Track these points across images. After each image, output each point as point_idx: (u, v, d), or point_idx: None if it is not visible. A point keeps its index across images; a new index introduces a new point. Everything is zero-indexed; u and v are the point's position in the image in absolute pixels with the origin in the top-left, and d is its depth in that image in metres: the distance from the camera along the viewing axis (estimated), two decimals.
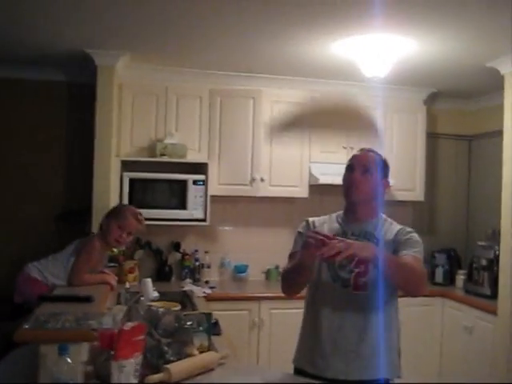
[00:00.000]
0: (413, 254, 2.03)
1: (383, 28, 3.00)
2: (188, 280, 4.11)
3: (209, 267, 4.32)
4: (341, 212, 2.25)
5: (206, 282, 4.18)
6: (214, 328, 2.73)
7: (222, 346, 2.51)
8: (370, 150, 2.22)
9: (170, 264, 4.26)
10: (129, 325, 1.94)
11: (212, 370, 2.13)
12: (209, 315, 2.43)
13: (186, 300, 3.60)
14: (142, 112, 3.98)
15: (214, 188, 4.05)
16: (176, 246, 4.28)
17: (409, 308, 4.04)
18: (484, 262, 4.03)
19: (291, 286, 2.20)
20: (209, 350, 2.30)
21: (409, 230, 2.15)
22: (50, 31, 3.31)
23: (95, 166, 3.65)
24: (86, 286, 2.59)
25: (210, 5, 2.77)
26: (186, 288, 3.80)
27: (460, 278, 4.35)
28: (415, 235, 2.13)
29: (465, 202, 4.93)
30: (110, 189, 3.68)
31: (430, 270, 4.54)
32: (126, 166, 3.96)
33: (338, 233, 2.14)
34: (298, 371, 2.22)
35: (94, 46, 3.57)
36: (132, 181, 3.85)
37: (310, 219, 2.29)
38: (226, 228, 4.41)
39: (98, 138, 3.65)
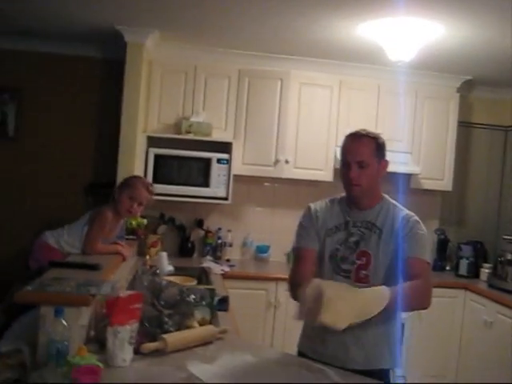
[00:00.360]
0: (419, 258, 2.00)
1: (410, 11, 2.93)
2: (208, 257, 4.18)
3: (231, 246, 4.37)
4: (343, 195, 2.18)
5: (227, 260, 4.24)
6: (221, 304, 2.79)
7: (226, 321, 2.57)
8: (363, 136, 2.08)
9: (192, 240, 4.33)
10: (126, 293, 2.02)
11: (210, 343, 2.18)
12: (212, 291, 2.49)
13: (203, 276, 3.68)
14: (170, 89, 4.04)
15: (238, 167, 4.08)
16: (199, 223, 4.35)
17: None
18: (509, 257, 3.94)
19: None
20: (210, 324, 2.36)
21: (413, 219, 2.08)
22: (83, 7, 3.38)
23: (121, 141, 3.73)
24: (98, 254, 2.68)
25: None
26: (204, 264, 3.87)
27: (485, 271, 4.25)
28: (420, 226, 2.07)
29: (497, 194, 4.79)
30: (134, 163, 3.75)
31: (455, 261, 4.48)
32: (153, 141, 4.04)
33: (341, 222, 2.13)
34: (301, 354, 2.23)
35: (124, 23, 3.63)
36: (157, 156, 3.92)
37: (312, 207, 2.22)
38: (250, 208, 4.45)
39: (124, 114, 3.73)
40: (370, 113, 4.21)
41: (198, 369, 1.84)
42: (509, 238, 3.98)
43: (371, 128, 4.03)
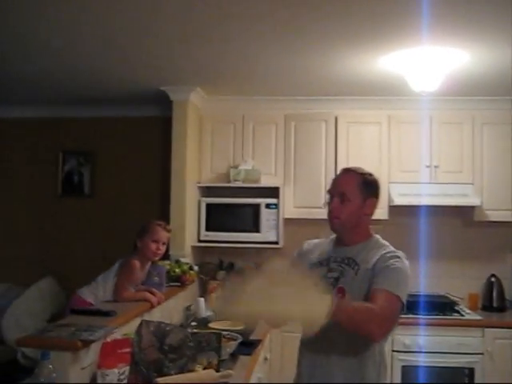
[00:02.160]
0: (383, 289, 1.87)
1: (431, 40, 2.87)
2: None
3: None
4: None
5: None
6: (244, 348, 2.82)
7: (243, 366, 2.59)
8: (350, 170, 2.09)
9: None
10: (112, 337, 2.15)
11: None
12: (219, 335, 2.53)
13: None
14: (220, 140, 4.25)
15: (290, 211, 4.14)
16: (257, 268, 4.40)
17: (504, 340, 3.74)
18: None
19: None
20: (216, 368, 2.40)
21: (392, 254, 1.98)
22: (131, 72, 3.73)
23: (172, 192, 3.98)
24: (127, 301, 2.85)
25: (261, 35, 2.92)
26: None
27: None
28: (397, 261, 1.96)
29: None
30: (185, 213, 3.96)
31: None
32: (205, 191, 4.24)
33: (324, 258, 2.11)
34: None
35: (167, 83, 3.93)
36: (208, 205, 4.10)
37: (306, 243, 2.25)
38: None
39: (173, 167, 3.98)
40: (423, 145, 4.07)
41: None
42: None
43: (426, 161, 4.01)
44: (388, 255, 1.98)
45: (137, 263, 2.97)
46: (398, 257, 1.99)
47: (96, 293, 2.99)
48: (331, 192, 2.08)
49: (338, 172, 2.18)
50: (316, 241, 2.26)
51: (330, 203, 2.08)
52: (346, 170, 2.12)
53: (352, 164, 4.00)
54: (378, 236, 2.13)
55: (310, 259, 2.15)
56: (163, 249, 3.10)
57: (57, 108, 4.69)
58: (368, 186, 2.06)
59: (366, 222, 2.09)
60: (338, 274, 2.03)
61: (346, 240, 2.09)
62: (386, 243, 2.09)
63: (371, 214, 2.10)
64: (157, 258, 3.13)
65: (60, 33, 2.94)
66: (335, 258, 2.08)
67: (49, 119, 4.76)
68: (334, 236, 2.19)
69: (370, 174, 2.10)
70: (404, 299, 1.91)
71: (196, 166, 4.22)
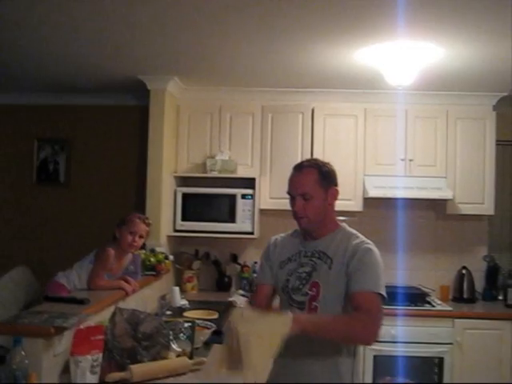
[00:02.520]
0: (364, 291, 1.91)
1: (407, 35, 2.91)
2: (240, 291, 4.23)
3: None
4: None
5: None
6: (219, 337, 2.83)
7: (214, 353, 2.61)
8: (304, 167, 2.06)
9: (229, 275, 4.42)
10: (86, 325, 2.15)
11: (183, 374, 2.24)
12: (193, 323, 2.55)
13: (229, 310, 3.73)
14: (197, 131, 4.24)
15: (265, 202, 4.16)
16: (234, 258, 4.43)
17: (474, 331, 3.81)
18: None
19: None
20: (190, 356, 2.42)
21: (363, 247, 1.99)
22: (109, 61, 3.69)
23: (148, 182, 3.97)
24: (101, 290, 2.85)
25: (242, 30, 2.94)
26: (231, 298, 3.93)
27: None
28: (370, 254, 1.98)
29: None
30: (161, 203, 3.95)
31: (503, 290, 4.18)
32: (181, 181, 4.24)
33: (294, 253, 2.11)
34: None
35: (145, 73, 3.90)
36: (184, 195, 4.10)
37: (272, 240, 2.24)
38: None
39: (149, 156, 3.96)
40: (398, 139, 4.11)
41: None
42: None
43: (400, 154, 4.05)
44: (360, 249, 1.99)
45: (112, 251, 2.97)
46: (370, 249, 2.00)
47: (72, 279, 2.99)
48: (291, 194, 2.06)
49: (292, 170, 2.10)
50: (283, 236, 2.24)
51: (292, 204, 2.06)
52: (301, 168, 2.07)
53: (328, 156, 4.04)
54: (344, 224, 2.14)
55: (278, 257, 2.15)
56: (140, 242, 3.10)
57: (32, 95, 4.63)
58: (326, 176, 2.05)
59: (331, 212, 2.10)
60: (310, 269, 2.04)
61: (316, 234, 2.09)
62: (354, 231, 2.10)
63: (334, 202, 2.10)
64: (132, 250, 3.14)
65: (35, 21, 2.89)
66: (305, 252, 2.08)
67: (24, 106, 4.69)
68: (298, 229, 2.17)
69: (325, 164, 2.09)
70: (384, 292, 1.94)
71: (173, 155, 4.21)
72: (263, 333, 1.70)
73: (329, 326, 1.85)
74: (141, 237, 3.08)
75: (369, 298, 1.90)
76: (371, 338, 1.88)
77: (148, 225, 3.14)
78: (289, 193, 2.07)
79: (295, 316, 1.79)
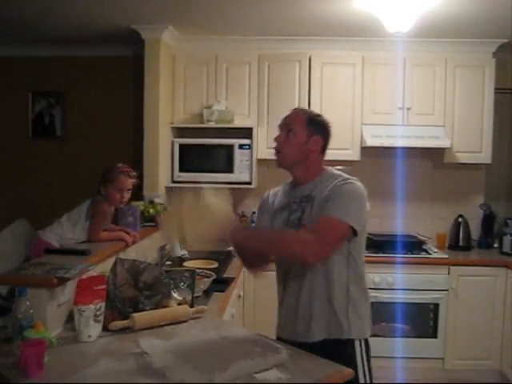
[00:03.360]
0: (324, 216, 1.93)
1: None
2: None
3: None
4: None
5: None
6: (219, 285, 2.90)
7: (216, 302, 2.67)
8: (300, 109, 2.22)
9: None
10: (88, 275, 2.18)
11: (184, 322, 2.29)
12: (193, 272, 2.59)
13: (228, 259, 3.79)
14: (193, 81, 4.19)
15: (263, 152, 4.14)
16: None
17: (468, 277, 3.89)
18: None
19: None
20: (190, 304, 2.47)
21: (344, 182, 2.01)
22: (100, 10, 3.60)
23: (145, 133, 3.95)
24: (103, 242, 2.88)
25: None
26: (230, 248, 3.97)
27: None
28: (346, 186, 1.99)
29: None
30: (158, 154, 3.95)
31: (498, 238, 4.24)
32: (178, 132, 4.22)
33: (285, 202, 2.15)
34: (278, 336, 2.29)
35: (139, 22, 3.82)
36: (181, 146, 4.09)
37: (266, 193, 2.30)
38: None
39: (146, 107, 3.93)
40: (396, 87, 4.07)
41: (148, 344, 1.96)
42: None
43: (398, 103, 4.02)
44: (339, 183, 2.01)
45: (107, 207, 2.97)
46: (349, 182, 2.01)
47: (61, 234, 2.96)
48: (280, 126, 2.14)
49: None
50: (276, 189, 2.29)
51: (276, 138, 2.12)
52: (296, 109, 2.22)
53: (325, 105, 4.08)
54: (330, 167, 2.15)
55: (272, 208, 2.20)
56: (128, 195, 3.05)
57: (25, 48, 4.54)
58: (314, 123, 2.10)
59: (316, 158, 2.11)
60: (299, 214, 2.07)
61: (300, 178, 2.12)
62: (339, 173, 2.11)
63: (317, 151, 2.10)
64: (122, 205, 3.10)
65: None
66: (294, 199, 2.12)
67: (17, 59, 4.60)
68: (290, 180, 2.21)
69: (319, 115, 2.16)
70: (351, 221, 1.93)
71: (169, 106, 4.17)
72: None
73: (266, 238, 2.01)
74: (128, 190, 3.03)
75: (326, 221, 1.93)
76: (309, 257, 1.92)
77: (134, 177, 3.07)
78: (279, 126, 2.15)
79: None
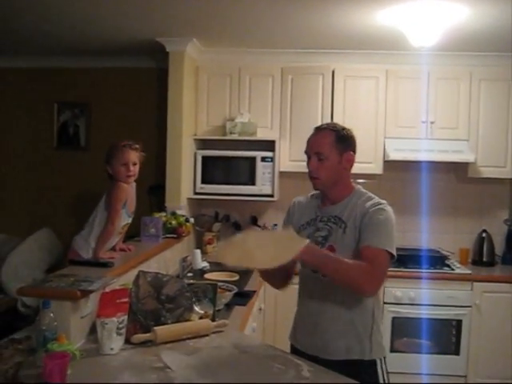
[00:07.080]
0: (371, 246, 1.94)
1: None
2: None
3: None
4: None
5: None
6: (241, 299, 2.90)
7: (238, 316, 2.67)
8: (322, 128, 2.12)
9: None
10: (110, 287, 2.20)
11: (206, 336, 2.29)
12: (214, 286, 2.60)
13: (250, 271, 3.78)
14: (216, 93, 4.21)
15: (285, 164, 4.15)
16: (253, 220, 4.47)
17: (492, 294, 3.84)
18: None
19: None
20: (212, 318, 2.47)
21: (377, 207, 2.01)
22: (127, 23, 3.66)
23: (168, 145, 3.98)
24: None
25: None
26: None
27: None
28: (381, 213, 2.00)
29: None
30: (181, 165, 3.98)
31: None
32: (201, 144, 4.25)
33: (312, 218, 2.16)
34: (292, 347, 2.29)
35: (163, 35, 3.86)
36: (204, 158, 4.11)
37: (292, 203, 2.31)
38: None
39: (169, 119, 3.97)
40: (419, 101, 4.05)
41: (170, 359, 1.97)
42: None
43: (422, 116, 4.00)
44: (372, 209, 2.01)
45: (122, 184, 2.85)
46: (382, 208, 2.02)
47: (88, 239, 2.86)
48: (308, 153, 2.10)
49: (312, 131, 2.16)
50: (302, 200, 2.29)
51: (308, 164, 2.10)
52: (319, 129, 2.14)
53: (348, 119, 4.06)
54: (358, 187, 2.16)
55: (298, 222, 2.21)
56: (135, 169, 2.90)
57: (51, 58, 4.62)
58: (343, 140, 2.08)
59: (347, 176, 2.12)
60: (326, 233, 2.09)
61: (331, 198, 2.13)
62: (368, 193, 2.13)
63: (350, 167, 2.12)
64: (131, 180, 2.93)
65: None
66: (321, 217, 2.13)
67: (43, 70, 4.69)
68: (316, 193, 2.22)
69: (344, 129, 2.13)
70: (393, 249, 1.97)
71: (192, 118, 4.21)
72: (272, 243, 1.86)
73: (334, 262, 1.92)
74: (134, 164, 2.89)
75: (375, 252, 1.94)
76: (369, 288, 1.94)
77: (137, 150, 2.92)
78: (306, 152, 2.12)
79: (310, 244, 1.89)
